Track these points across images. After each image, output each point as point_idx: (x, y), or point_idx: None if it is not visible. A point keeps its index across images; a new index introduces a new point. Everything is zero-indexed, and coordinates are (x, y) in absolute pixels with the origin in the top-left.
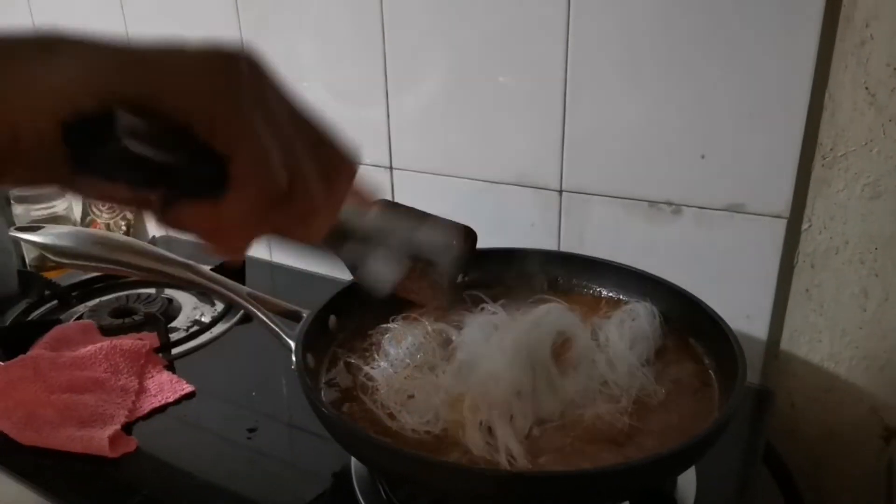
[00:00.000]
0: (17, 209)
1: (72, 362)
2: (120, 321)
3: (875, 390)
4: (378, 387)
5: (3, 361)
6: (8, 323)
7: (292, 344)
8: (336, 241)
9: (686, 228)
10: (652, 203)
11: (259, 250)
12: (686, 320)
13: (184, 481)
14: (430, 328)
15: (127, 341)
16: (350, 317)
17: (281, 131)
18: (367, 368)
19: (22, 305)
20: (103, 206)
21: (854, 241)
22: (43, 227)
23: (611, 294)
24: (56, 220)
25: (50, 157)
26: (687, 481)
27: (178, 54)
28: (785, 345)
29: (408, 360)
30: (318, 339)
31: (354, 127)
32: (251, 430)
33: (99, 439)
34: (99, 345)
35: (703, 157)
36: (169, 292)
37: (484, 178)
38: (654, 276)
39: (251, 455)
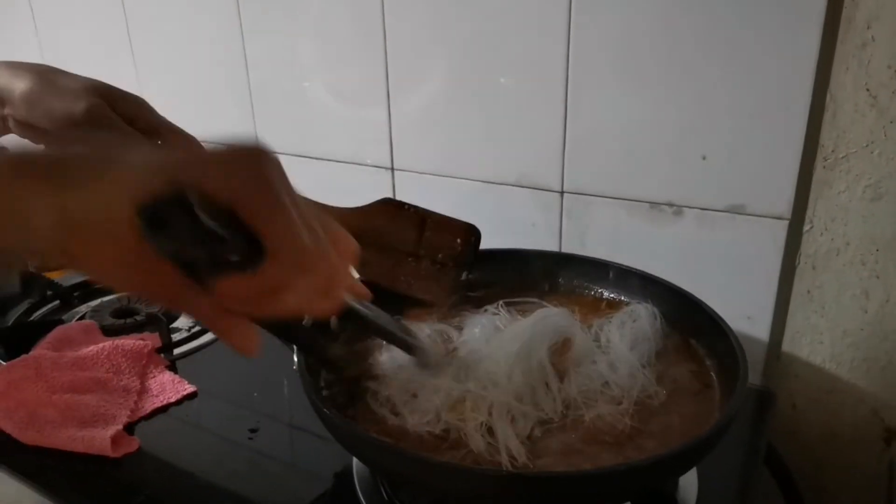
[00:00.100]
0: None
1: (73, 362)
2: (122, 321)
3: (876, 391)
4: (380, 387)
5: (5, 361)
6: (10, 323)
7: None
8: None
9: (687, 229)
10: (653, 204)
11: None
12: (687, 321)
13: (185, 481)
14: (429, 330)
15: (129, 341)
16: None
17: (301, 212)
18: (369, 370)
19: (24, 305)
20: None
21: (855, 243)
22: None
23: (612, 295)
24: None
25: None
26: (688, 482)
27: (221, 151)
28: (786, 346)
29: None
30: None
31: (356, 127)
32: (253, 431)
33: (101, 439)
34: (101, 345)
35: (704, 158)
36: None
37: (485, 178)
38: (655, 277)
39: (252, 455)
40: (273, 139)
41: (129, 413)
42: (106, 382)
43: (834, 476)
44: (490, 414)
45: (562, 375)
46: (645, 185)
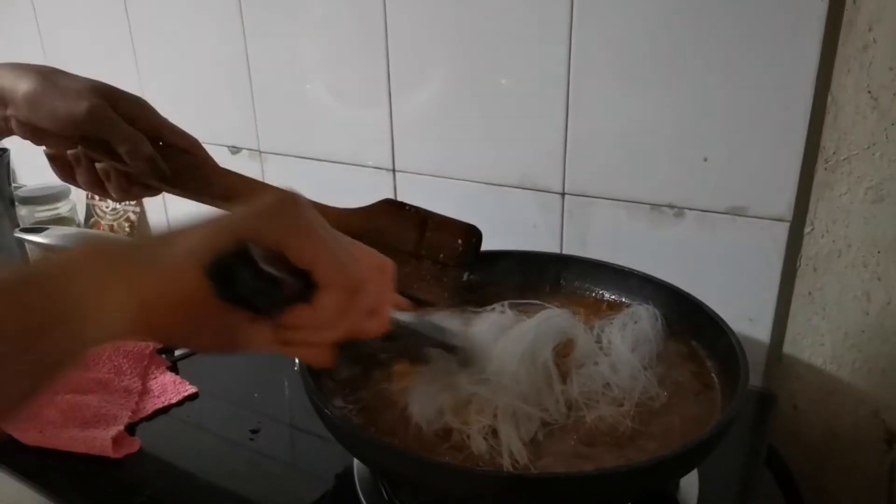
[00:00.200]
0: (22, 211)
1: None
2: None
3: (877, 393)
4: (382, 386)
5: None
6: None
7: None
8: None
9: (688, 231)
10: (654, 206)
11: None
12: (688, 323)
13: (186, 482)
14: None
15: (130, 342)
16: None
17: (339, 243)
18: (374, 371)
19: None
20: (107, 208)
21: (856, 245)
22: (47, 229)
23: (613, 297)
24: (60, 222)
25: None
26: (689, 483)
27: (263, 206)
28: (787, 348)
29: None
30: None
31: (357, 129)
32: (254, 432)
33: (102, 440)
34: None
35: (705, 160)
36: None
37: (486, 180)
38: (656, 278)
39: (253, 456)
40: (274, 140)
41: (130, 414)
42: (107, 383)
43: (835, 477)
44: (495, 416)
45: (564, 377)
46: (646, 186)
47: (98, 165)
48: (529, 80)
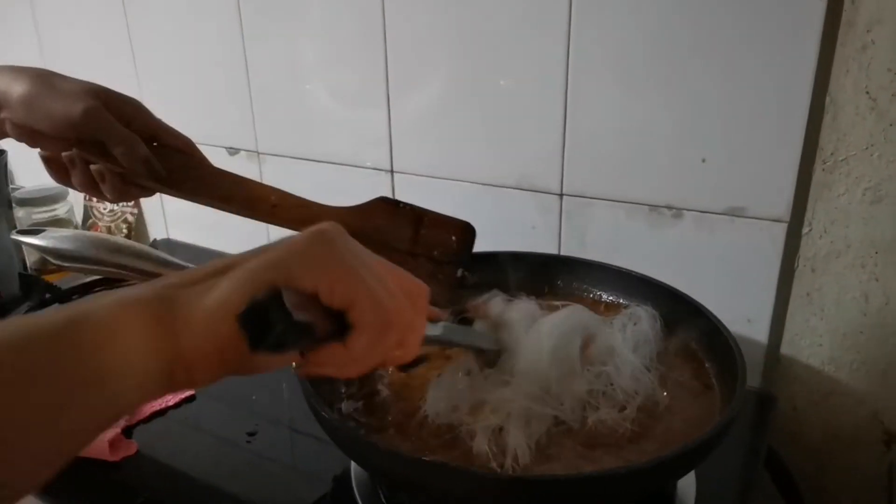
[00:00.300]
0: (19, 212)
1: None
2: None
3: (876, 394)
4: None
5: None
6: None
7: None
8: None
9: (687, 232)
10: (653, 207)
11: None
12: (687, 324)
13: (184, 485)
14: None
15: None
16: None
17: (373, 272)
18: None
19: (23, 308)
20: (104, 210)
21: (855, 246)
22: (44, 231)
23: (611, 298)
24: (57, 224)
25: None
26: (687, 484)
27: (294, 243)
28: (786, 349)
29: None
30: None
31: (355, 129)
32: (251, 434)
33: (99, 443)
34: None
35: (703, 160)
36: None
37: (485, 181)
38: (654, 279)
39: (251, 458)
40: (272, 141)
41: (127, 416)
42: None
43: (834, 478)
44: (508, 415)
45: (582, 374)
46: (644, 187)
47: (92, 167)
48: (528, 81)
